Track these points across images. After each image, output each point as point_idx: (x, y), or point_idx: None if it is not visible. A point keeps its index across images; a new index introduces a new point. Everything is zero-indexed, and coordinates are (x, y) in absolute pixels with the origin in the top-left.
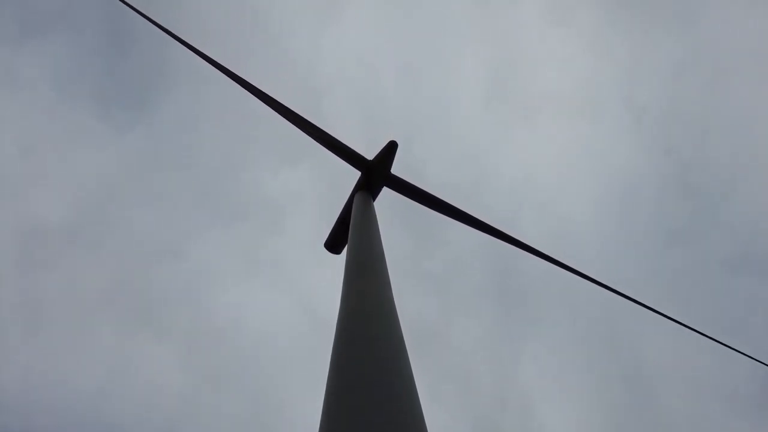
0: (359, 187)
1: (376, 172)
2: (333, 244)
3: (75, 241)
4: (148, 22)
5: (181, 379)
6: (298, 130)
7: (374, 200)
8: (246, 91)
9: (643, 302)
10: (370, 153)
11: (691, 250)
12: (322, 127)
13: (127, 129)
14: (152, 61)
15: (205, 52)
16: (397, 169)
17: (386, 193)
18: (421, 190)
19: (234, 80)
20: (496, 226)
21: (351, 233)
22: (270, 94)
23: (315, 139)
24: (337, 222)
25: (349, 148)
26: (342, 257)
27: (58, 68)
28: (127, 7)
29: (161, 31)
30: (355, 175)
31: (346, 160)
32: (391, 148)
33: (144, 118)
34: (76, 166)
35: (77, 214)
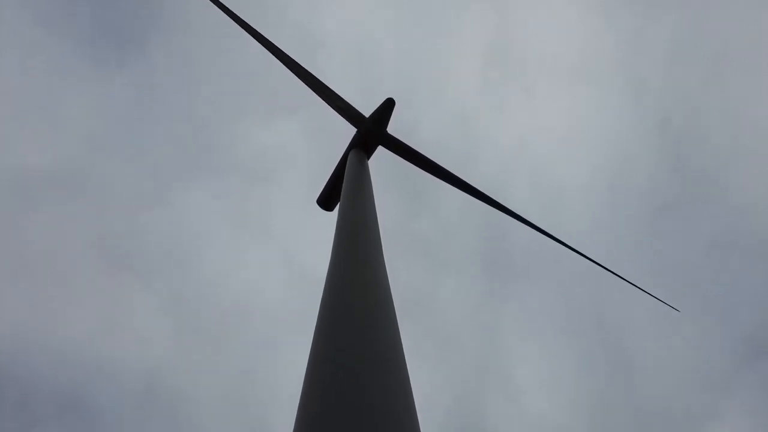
0: (354, 145)
1: (372, 130)
2: (326, 201)
3: (59, 188)
4: None
5: (168, 330)
6: (294, 81)
7: (369, 158)
8: (243, 31)
9: (624, 276)
10: (364, 113)
11: (678, 227)
12: (321, 79)
13: (115, 73)
14: (144, 3)
15: None
16: (390, 129)
17: (380, 152)
18: (416, 151)
19: (232, 18)
20: (486, 193)
21: (344, 191)
22: (270, 40)
23: (313, 90)
24: (330, 178)
25: (347, 103)
26: (334, 214)
27: (44, 7)
28: None
29: None
30: (350, 131)
31: (342, 116)
32: (388, 105)
33: (133, 62)
34: (60, 110)
35: (61, 160)
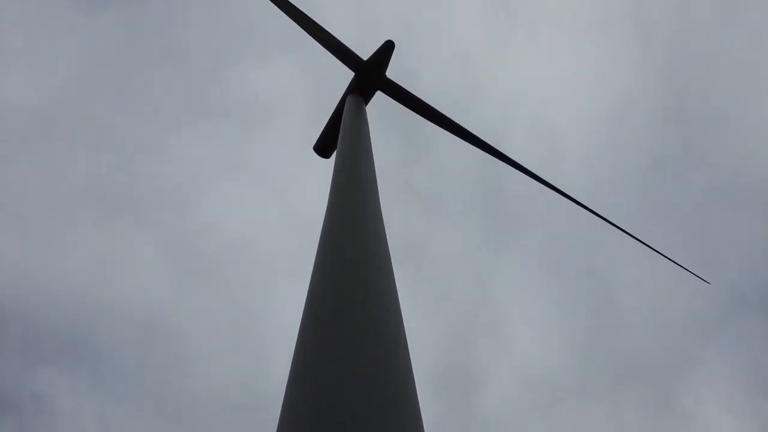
0: (352, 90)
1: (370, 74)
2: (322, 148)
3: (49, 132)
4: None
5: (166, 272)
6: (290, 23)
7: (366, 104)
8: None
9: (619, 225)
10: (362, 56)
11: (676, 178)
12: (317, 21)
13: (107, 14)
14: None
15: None
16: (389, 74)
17: (378, 98)
18: (415, 96)
19: None
20: (485, 140)
21: (341, 137)
22: None
23: (309, 34)
24: (327, 124)
25: (345, 46)
26: (331, 161)
27: None
28: None
29: None
30: (347, 76)
31: (339, 59)
32: (388, 48)
33: (124, 2)
34: (50, 51)
35: (50, 102)
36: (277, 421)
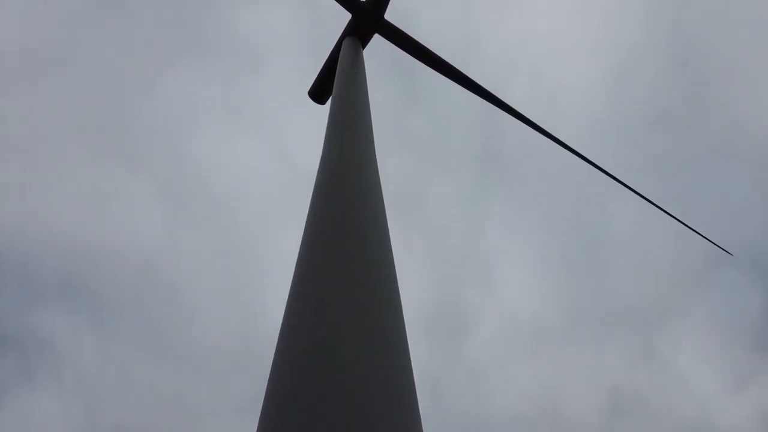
0: (349, 32)
1: (368, 16)
2: (317, 93)
3: (37, 69)
4: None
5: (158, 217)
6: None
7: (364, 48)
8: None
9: (615, 176)
10: None
11: (677, 132)
12: None
13: None
14: None
15: None
16: (388, 16)
17: (376, 41)
18: (414, 40)
19: None
20: (485, 87)
21: (337, 83)
22: None
23: None
24: (322, 69)
25: None
26: (326, 108)
27: None
28: None
29: None
30: (344, 18)
31: (336, 0)
32: None
33: None
34: None
35: (39, 39)
36: (270, 367)
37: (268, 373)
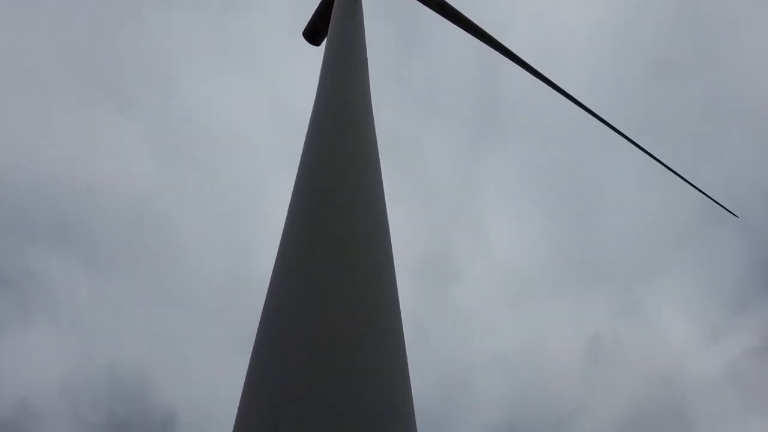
0: None
1: None
2: (312, 34)
3: (25, 2)
4: None
5: (150, 157)
6: None
7: None
8: None
9: (612, 124)
10: None
11: (679, 84)
12: None
13: None
14: None
15: None
16: None
17: None
18: None
19: None
20: (486, 30)
21: (332, 24)
22: None
23: None
24: (318, 8)
25: None
26: (321, 49)
27: None
28: None
29: None
30: None
31: None
32: None
33: None
34: None
35: None
36: (261, 308)
37: (259, 315)
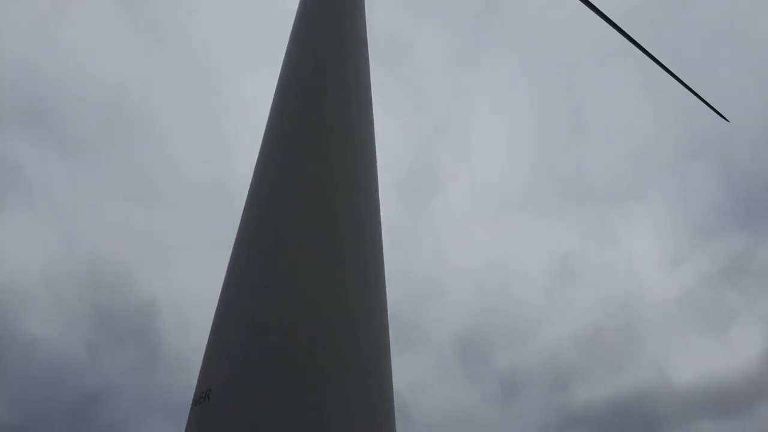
0: None
1: None
2: None
3: None
4: None
5: (127, 46)
6: None
7: None
8: None
9: (615, 22)
10: None
11: None
12: None
13: None
14: None
15: None
16: None
17: None
18: None
19: None
20: None
21: None
22: None
23: None
24: None
25: None
26: None
27: None
28: None
29: None
30: None
31: None
32: None
33: None
34: None
35: None
36: (242, 210)
37: (241, 211)
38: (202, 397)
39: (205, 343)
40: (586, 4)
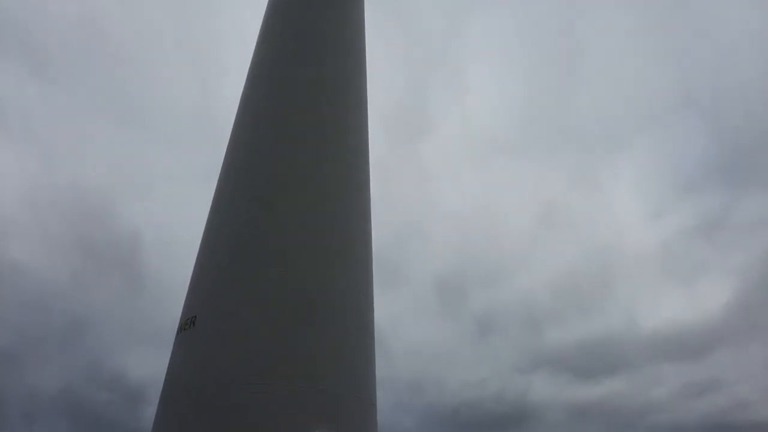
0: None
1: None
2: None
3: None
4: None
5: None
6: None
7: None
8: None
9: None
10: None
11: None
12: None
13: None
14: None
15: None
16: None
17: None
18: None
19: None
20: None
21: None
22: None
23: None
24: None
25: None
26: None
27: None
28: None
29: None
30: None
31: None
32: None
33: None
34: None
35: None
36: (228, 135)
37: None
38: (188, 323)
39: (191, 271)
40: None
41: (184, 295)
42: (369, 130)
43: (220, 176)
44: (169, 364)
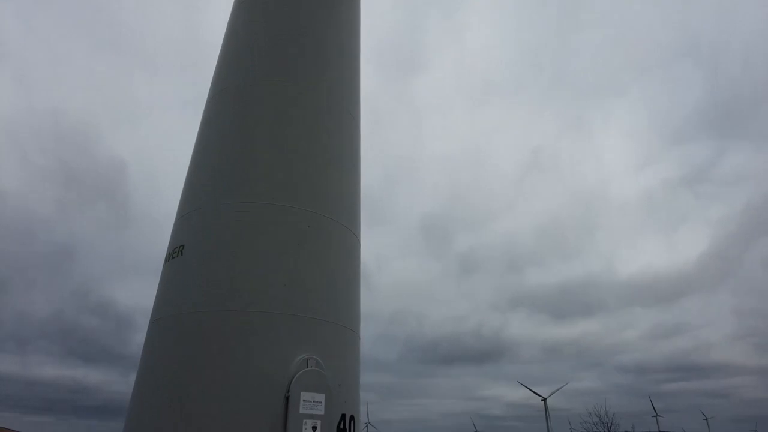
0: None
1: None
2: None
3: None
4: None
5: None
6: None
7: None
8: None
9: None
10: None
11: None
12: None
13: None
14: None
15: None
16: None
17: None
18: None
19: None
20: None
21: None
22: None
23: None
24: None
25: None
26: None
27: None
28: None
29: None
30: None
31: None
32: None
33: None
34: None
35: None
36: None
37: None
38: (176, 252)
39: (178, 202)
40: None
41: (172, 225)
42: (361, 64)
43: (205, 106)
44: (157, 291)
